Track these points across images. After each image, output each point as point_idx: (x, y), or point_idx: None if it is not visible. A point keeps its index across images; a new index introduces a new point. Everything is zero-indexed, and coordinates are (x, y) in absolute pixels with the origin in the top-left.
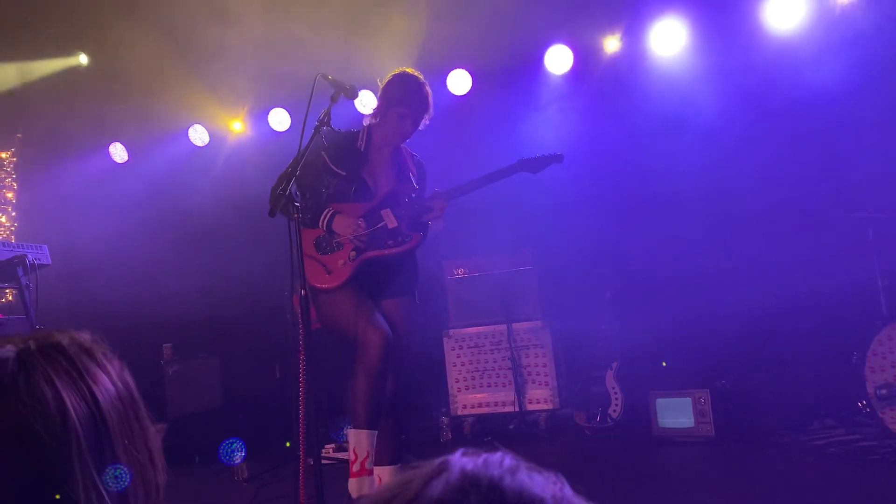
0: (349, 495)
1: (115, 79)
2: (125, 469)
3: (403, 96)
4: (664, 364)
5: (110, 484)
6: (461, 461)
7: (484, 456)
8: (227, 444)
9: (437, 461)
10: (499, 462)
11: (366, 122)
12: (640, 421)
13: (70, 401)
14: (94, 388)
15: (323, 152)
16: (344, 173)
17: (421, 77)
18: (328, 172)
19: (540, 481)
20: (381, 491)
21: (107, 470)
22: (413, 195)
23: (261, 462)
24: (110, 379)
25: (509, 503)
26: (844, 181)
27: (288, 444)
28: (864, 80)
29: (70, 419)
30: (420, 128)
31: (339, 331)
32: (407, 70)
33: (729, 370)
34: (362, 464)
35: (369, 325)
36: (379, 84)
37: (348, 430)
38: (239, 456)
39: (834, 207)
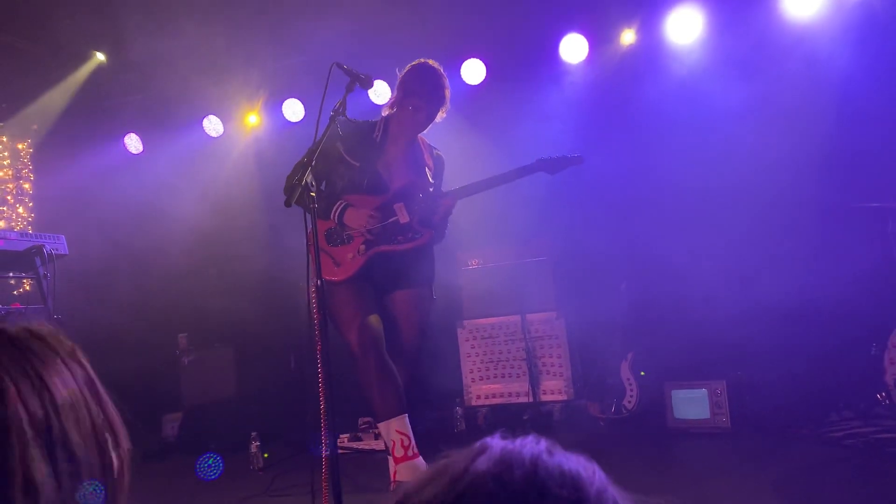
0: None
1: (129, 70)
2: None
3: (419, 88)
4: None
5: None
6: (501, 442)
7: (521, 438)
8: (205, 458)
9: (478, 443)
10: (536, 442)
11: (384, 113)
12: (655, 412)
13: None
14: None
15: (338, 142)
16: (358, 164)
17: (439, 69)
18: (342, 163)
19: (574, 460)
20: (429, 471)
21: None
22: (429, 190)
23: (276, 451)
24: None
25: (550, 475)
26: (863, 172)
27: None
28: (882, 68)
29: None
30: (437, 120)
31: (336, 325)
32: (426, 61)
33: (745, 361)
34: (392, 451)
35: (357, 324)
36: (398, 74)
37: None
38: (216, 471)
39: (852, 198)
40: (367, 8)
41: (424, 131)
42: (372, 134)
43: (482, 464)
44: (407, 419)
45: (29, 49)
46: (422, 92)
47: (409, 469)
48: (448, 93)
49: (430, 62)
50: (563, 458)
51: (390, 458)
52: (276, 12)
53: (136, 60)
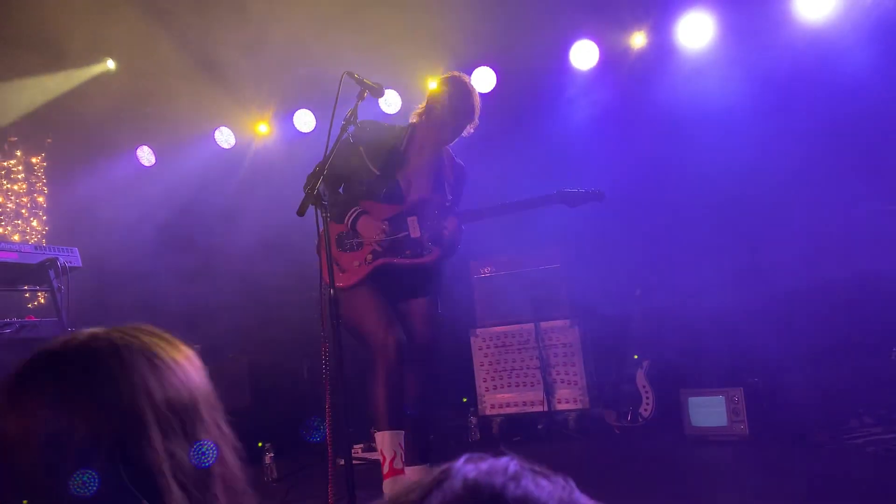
0: (384, 496)
1: (141, 82)
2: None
3: (449, 103)
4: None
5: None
6: (463, 469)
7: (489, 462)
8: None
9: (440, 469)
10: (503, 469)
11: (411, 120)
12: (671, 420)
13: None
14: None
15: (361, 147)
16: (378, 173)
17: (472, 86)
18: (362, 168)
19: (546, 486)
20: (383, 502)
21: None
22: (444, 206)
23: (290, 462)
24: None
25: None
26: (881, 173)
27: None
28: None
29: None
30: (464, 135)
31: (353, 331)
32: (460, 76)
33: (763, 367)
34: (391, 464)
35: (382, 327)
36: (430, 84)
37: (374, 433)
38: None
39: (870, 200)
40: (376, 17)
41: (450, 144)
42: (396, 142)
43: (435, 499)
44: (402, 435)
45: (40, 62)
46: (451, 107)
47: (394, 484)
48: (478, 110)
49: (464, 77)
50: (530, 487)
51: (387, 468)
52: (287, 22)
53: (148, 71)
